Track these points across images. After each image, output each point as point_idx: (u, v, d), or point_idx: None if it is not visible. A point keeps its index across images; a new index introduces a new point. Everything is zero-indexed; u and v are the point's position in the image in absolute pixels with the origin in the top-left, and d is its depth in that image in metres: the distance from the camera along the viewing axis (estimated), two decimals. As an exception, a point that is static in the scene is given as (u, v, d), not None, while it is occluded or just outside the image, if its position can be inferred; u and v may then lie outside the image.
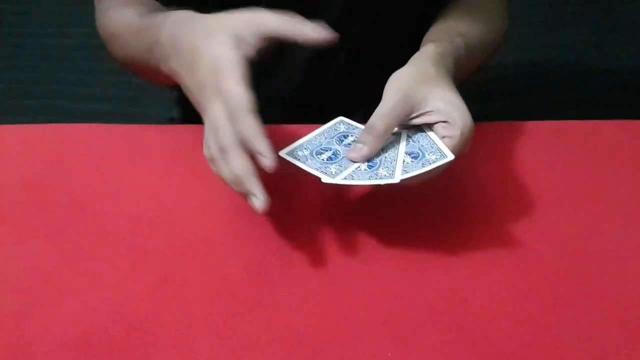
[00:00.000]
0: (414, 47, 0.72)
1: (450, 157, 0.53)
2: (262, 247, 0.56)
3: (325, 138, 0.58)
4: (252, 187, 0.50)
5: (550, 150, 0.67)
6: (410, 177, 0.52)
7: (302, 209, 0.60)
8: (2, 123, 0.71)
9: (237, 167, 0.50)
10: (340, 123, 0.60)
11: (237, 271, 0.54)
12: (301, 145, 0.57)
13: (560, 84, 1.79)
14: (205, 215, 0.59)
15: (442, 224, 0.59)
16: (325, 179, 0.53)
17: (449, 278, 0.54)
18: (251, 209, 0.59)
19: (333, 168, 0.54)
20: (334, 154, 0.56)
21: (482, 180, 0.63)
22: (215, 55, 0.52)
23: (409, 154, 0.55)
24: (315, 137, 0.58)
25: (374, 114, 0.55)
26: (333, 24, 0.75)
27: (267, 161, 0.49)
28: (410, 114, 0.56)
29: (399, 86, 0.56)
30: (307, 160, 0.55)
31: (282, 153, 0.55)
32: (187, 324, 0.50)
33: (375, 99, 0.81)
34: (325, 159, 0.55)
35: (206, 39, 0.54)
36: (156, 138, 0.69)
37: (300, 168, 0.54)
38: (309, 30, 0.54)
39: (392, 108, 0.55)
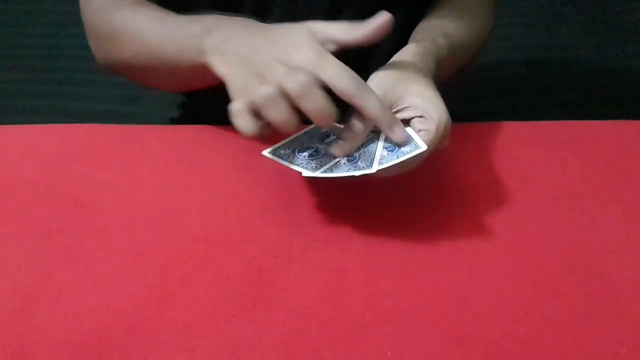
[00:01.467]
0: (404, 44, 0.72)
1: (424, 147, 0.54)
2: (262, 247, 0.56)
3: (308, 137, 0.60)
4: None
5: (549, 150, 0.67)
6: (386, 167, 0.53)
7: (302, 209, 0.60)
8: (2, 123, 0.71)
9: (324, 102, 0.52)
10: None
11: (237, 271, 0.54)
12: (284, 144, 0.59)
13: (560, 84, 1.79)
14: (205, 215, 0.59)
15: (442, 224, 0.59)
16: (306, 173, 0.55)
17: (449, 278, 0.54)
18: (251, 209, 0.60)
19: (314, 163, 0.56)
20: (316, 151, 0.58)
21: (481, 180, 0.64)
22: (298, 35, 0.55)
23: (386, 148, 0.56)
24: (297, 137, 0.59)
25: (353, 111, 0.56)
26: (321, 17, 0.75)
27: (402, 132, 0.55)
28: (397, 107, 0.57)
29: (379, 84, 0.57)
30: (289, 157, 0.57)
31: (265, 152, 0.57)
32: (187, 324, 0.50)
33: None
34: (306, 156, 0.57)
35: (289, 27, 0.57)
36: (156, 138, 0.69)
37: (283, 165, 0.56)
38: (368, 28, 0.56)
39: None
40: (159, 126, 0.71)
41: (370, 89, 0.53)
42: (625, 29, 2.03)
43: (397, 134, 0.54)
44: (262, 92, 0.53)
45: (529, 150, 0.67)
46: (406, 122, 0.57)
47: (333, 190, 0.61)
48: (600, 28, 2.04)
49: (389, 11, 0.77)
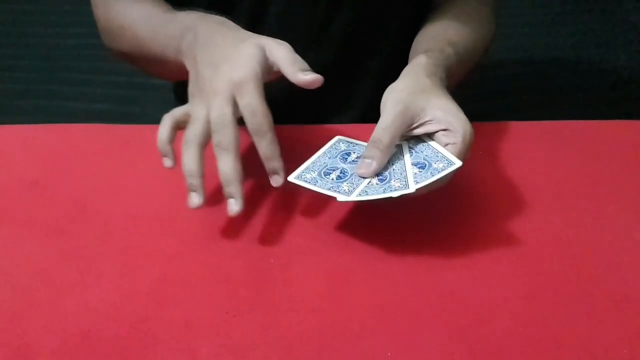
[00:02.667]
0: (402, 47, 0.72)
1: (458, 163, 0.54)
2: (262, 247, 0.56)
3: (329, 158, 0.59)
4: (238, 190, 0.54)
5: (550, 150, 0.67)
6: (424, 185, 0.53)
7: (302, 209, 0.60)
8: (2, 123, 0.71)
9: (231, 167, 0.53)
10: (340, 142, 0.61)
11: (237, 271, 0.54)
12: (307, 168, 0.58)
13: (560, 84, 1.79)
14: (205, 215, 0.59)
15: (442, 223, 0.59)
16: (341, 198, 0.53)
17: (449, 278, 0.54)
18: (251, 209, 0.60)
19: (345, 186, 0.55)
20: (342, 172, 0.57)
21: (481, 180, 0.63)
22: (240, 63, 0.54)
23: (416, 165, 0.55)
24: (318, 159, 0.59)
25: (377, 127, 0.56)
26: (319, 19, 0.75)
27: (280, 180, 0.54)
28: (411, 125, 0.57)
29: (398, 98, 0.57)
30: (317, 182, 0.56)
31: (291, 178, 0.56)
32: (187, 324, 0.50)
33: (363, 101, 0.81)
34: (334, 178, 0.56)
35: (237, 45, 0.56)
36: (156, 138, 0.69)
37: (313, 190, 0.55)
38: (301, 76, 0.55)
39: (394, 120, 0.55)
40: (159, 126, 0.71)
41: (269, 133, 0.53)
42: (625, 29, 2.03)
43: (274, 181, 0.55)
44: (195, 129, 0.55)
45: (529, 150, 0.67)
46: (429, 136, 0.57)
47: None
48: (600, 28, 2.04)
49: (388, 12, 0.78)
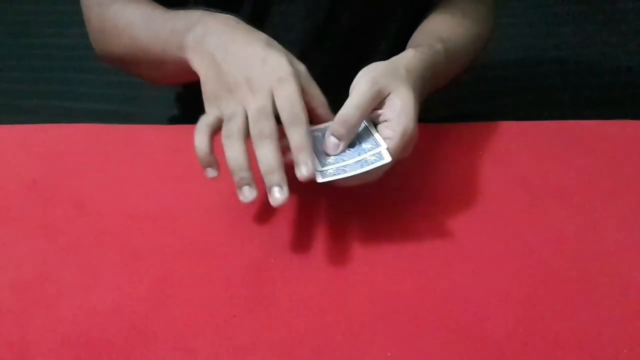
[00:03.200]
0: (401, 48, 0.72)
1: (388, 159, 0.52)
2: (262, 247, 0.56)
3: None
4: (283, 177, 0.51)
5: (550, 150, 0.67)
6: (345, 177, 0.52)
7: (301, 209, 0.60)
8: (2, 123, 0.71)
9: (273, 156, 0.51)
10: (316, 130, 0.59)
11: (237, 271, 0.54)
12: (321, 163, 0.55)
13: (560, 84, 1.79)
14: (205, 215, 0.59)
15: (442, 223, 0.59)
16: (320, 179, 0.53)
17: (449, 278, 0.54)
18: (251, 209, 0.60)
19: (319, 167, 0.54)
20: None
21: (481, 180, 0.63)
22: (274, 54, 0.54)
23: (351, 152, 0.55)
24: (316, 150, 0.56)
25: (348, 105, 0.54)
26: (320, 17, 0.75)
27: (305, 172, 0.52)
28: (377, 107, 0.56)
29: (374, 79, 0.56)
30: (345, 170, 0.54)
31: (320, 180, 0.54)
32: (187, 324, 0.50)
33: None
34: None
35: (266, 47, 0.56)
36: (156, 138, 0.69)
37: (348, 177, 0.53)
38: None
39: (368, 101, 0.54)
40: (159, 126, 0.71)
41: (303, 126, 0.52)
42: (625, 28, 2.03)
43: (300, 171, 0.52)
44: (227, 111, 0.54)
45: (529, 150, 0.67)
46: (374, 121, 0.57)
47: (334, 191, 0.61)
48: (600, 28, 2.03)
49: (387, 12, 0.78)
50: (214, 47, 0.57)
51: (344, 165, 0.53)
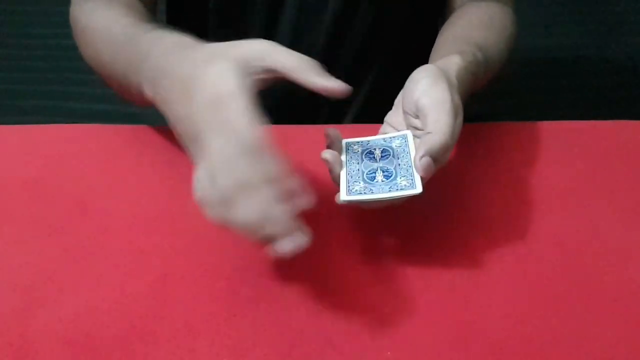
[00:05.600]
0: (401, 49, 0.72)
1: (419, 189, 0.49)
2: (262, 247, 0.56)
3: (357, 163, 0.54)
4: (292, 225, 0.45)
5: (550, 150, 0.67)
6: (370, 200, 0.49)
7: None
8: (2, 123, 0.71)
9: (271, 204, 0.44)
10: (348, 145, 0.56)
11: (237, 271, 0.54)
12: (348, 181, 0.52)
13: (560, 84, 1.79)
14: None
15: (442, 223, 0.59)
16: (342, 197, 0.50)
17: (449, 278, 0.54)
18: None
19: (403, 181, 0.51)
20: (385, 171, 0.52)
21: (481, 180, 0.64)
22: (215, 83, 0.46)
23: (385, 171, 0.53)
24: (349, 169, 0.54)
25: (444, 126, 0.50)
26: (331, 23, 0.75)
27: (306, 199, 0.45)
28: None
29: (452, 96, 0.52)
30: (372, 190, 0.51)
31: (344, 198, 0.51)
32: (188, 324, 0.50)
33: (362, 102, 0.81)
34: (384, 179, 0.52)
35: (205, 66, 0.47)
36: (156, 138, 0.69)
37: (373, 200, 0.50)
38: (322, 81, 0.48)
39: (454, 120, 0.51)
40: (159, 126, 0.71)
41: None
42: (625, 28, 2.03)
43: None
44: (200, 194, 0.46)
45: (529, 150, 0.67)
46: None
47: (333, 191, 0.61)
48: (600, 28, 2.04)
49: (398, 4, 0.77)
50: (167, 95, 0.50)
51: (372, 187, 0.51)
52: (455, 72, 0.56)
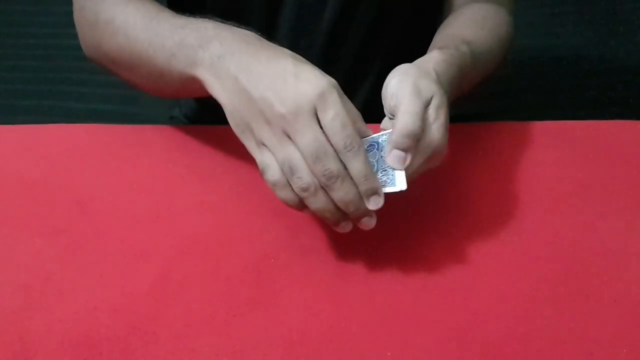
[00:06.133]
0: (401, 51, 0.71)
1: (403, 187, 0.49)
2: (262, 247, 0.56)
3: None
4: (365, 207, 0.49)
5: (550, 150, 0.67)
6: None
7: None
8: (2, 123, 0.71)
9: (352, 191, 0.48)
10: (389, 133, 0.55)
11: (237, 271, 0.54)
12: None
13: (560, 84, 1.79)
14: (205, 215, 0.59)
15: (442, 223, 0.59)
16: None
17: (449, 278, 0.54)
18: (251, 209, 0.60)
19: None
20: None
21: (481, 180, 0.64)
22: (317, 75, 0.48)
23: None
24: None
25: (405, 113, 0.50)
26: (331, 23, 0.75)
27: (381, 201, 0.49)
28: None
29: (415, 84, 0.52)
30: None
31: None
32: (188, 324, 0.50)
33: (362, 102, 0.81)
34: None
35: (294, 57, 0.51)
36: (156, 138, 0.69)
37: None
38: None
39: (422, 105, 0.51)
40: (159, 126, 0.71)
41: (361, 149, 0.48)
42: (625, 28, 2.03)
43: (371, 203, 0.49)
44: (278, 177, 0.49)
45: (528, 151, 0.67)
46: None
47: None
48: (600, 28, 2.03)
49: (399, 4, 0.77)
50: (236, 69, 0.51)
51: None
52: (433, 64, 0.55)
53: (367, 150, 0.52)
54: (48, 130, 0.70)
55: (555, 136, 0.69)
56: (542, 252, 0.56)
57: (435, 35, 0.72)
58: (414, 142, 0.50)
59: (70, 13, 0.71)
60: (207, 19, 0.57)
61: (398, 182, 0.50)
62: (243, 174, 0.63)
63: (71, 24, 0.71)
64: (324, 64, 0.55)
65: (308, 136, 0.47)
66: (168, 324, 0.50)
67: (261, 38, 0.54)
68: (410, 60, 0.56)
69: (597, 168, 0.65)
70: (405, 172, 0.50)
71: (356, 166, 0.48)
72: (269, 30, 0.75)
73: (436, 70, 0.55)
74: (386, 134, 0.53)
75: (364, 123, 0.51)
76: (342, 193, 0.48)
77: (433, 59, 0.56)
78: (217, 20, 0.57)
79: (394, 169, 0.50)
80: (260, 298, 0.52)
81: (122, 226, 0.58)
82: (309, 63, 0.51)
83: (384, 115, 0.60)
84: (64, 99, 1.76)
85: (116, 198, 0.61)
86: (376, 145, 0.53)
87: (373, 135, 0.54)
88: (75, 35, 0.72)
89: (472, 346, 0.49)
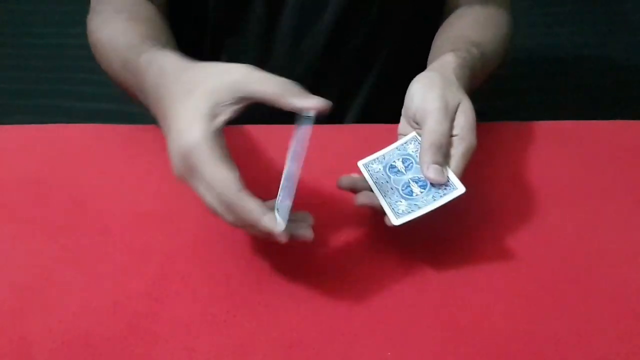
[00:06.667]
0: (401, 51, 0.71)
1: (462, 189, 0.51)
2: (262, 247, 0.56)
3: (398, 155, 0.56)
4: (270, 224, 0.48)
5: (550, 150, 0.67)
6: (427, 213, 0.51)
7: (302, 209, 0.60)
8: (2, 123, 0.71)
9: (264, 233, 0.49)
10: (414, 141, 0.56)
11: (237, 271, 0.54)
12: (376, 158, 0.56)
13: (560, 84, 1.79)
14: (205, 215, 0.59)
15: (442, 223, 0.59)
16: (394, 221, 0.51)
17: (449, 278, 0.54)
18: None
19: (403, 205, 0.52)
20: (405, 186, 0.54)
21: (481, 180, 0.63)
22: (181, 134, 0.48)
23: (416, 182, 0.54)
24: (390, 152, 0.56)
25: (433, 128, 0.52)
26: (331, 24, 0.75)
27: (282, 237, 0.48)
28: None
29: (442, 96, 0.54)
30: (382, 190, 0.54)
31: (360, 164, 0.55)
32: (187, 324, 0.50)
33: (362, 103, 0.81)
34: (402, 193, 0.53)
35: (181, 103, 0.50)
36: (156, 138, 0.69)
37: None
38: (302, 102, 0.48)
39: (450, 117, 0.53)
40: (159, 126, 0.71)
41: (234, 204, 0.48)
42: (625, 28, 2.03)
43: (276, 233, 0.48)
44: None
45: (528, 151, 0.67)
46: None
47: (333, 192, 0.61)
48: (600, 28, 2.03)
49: (399, 5, 0.77)
50: (165, 132, 0.52)
51: (415, 201, 0.52)
52: (451, 70, 0.58)
53: (406, 168, 0.55)
54: (48, 130, 0.70)
55: (556, 136, 0.69)
56: (541, 251, 0.56)
57: (439, 35, 0.72)
58: (445, 154, 0.52)
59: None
60: (153, 56, 0.58)
61: (458, 186, 0.51)
62: (242, 174, 0.63)
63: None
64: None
65: (199, 194, 0.50)
66: (168, 324, 0.50)
67: (176, 74, 0.53)
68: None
69: (597, 168, 0.65)
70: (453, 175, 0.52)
71: (241, 217, 0.48)
72: (270, 32, 0.75)
73: (456, 76, 0.57)
74: (411, 142, 0.55)
75: (289, 94, 0.49)
76: (248, 228, 0.49)
77: (451, 64, 0.58)
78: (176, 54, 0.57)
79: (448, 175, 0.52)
80: (260, 298, 0.52)
81: (122, 226, 0.58)
82: (201, 100, 0.49)
83: (384, 116, 0.60)
84: (64, 99, 1.76)
85: (116, 198, 0.61)
86: (412, 160, 0.55)
87: (391, 150, 0.56)
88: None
89: (471, 346, 0.49)
